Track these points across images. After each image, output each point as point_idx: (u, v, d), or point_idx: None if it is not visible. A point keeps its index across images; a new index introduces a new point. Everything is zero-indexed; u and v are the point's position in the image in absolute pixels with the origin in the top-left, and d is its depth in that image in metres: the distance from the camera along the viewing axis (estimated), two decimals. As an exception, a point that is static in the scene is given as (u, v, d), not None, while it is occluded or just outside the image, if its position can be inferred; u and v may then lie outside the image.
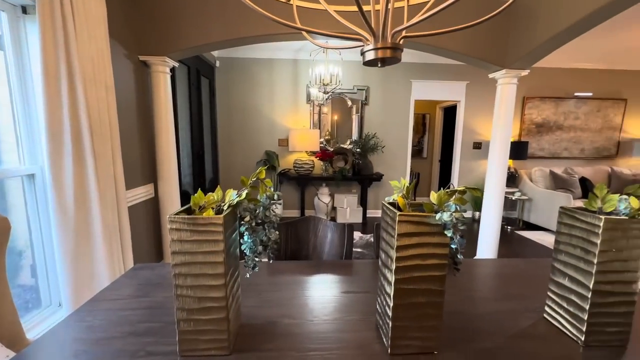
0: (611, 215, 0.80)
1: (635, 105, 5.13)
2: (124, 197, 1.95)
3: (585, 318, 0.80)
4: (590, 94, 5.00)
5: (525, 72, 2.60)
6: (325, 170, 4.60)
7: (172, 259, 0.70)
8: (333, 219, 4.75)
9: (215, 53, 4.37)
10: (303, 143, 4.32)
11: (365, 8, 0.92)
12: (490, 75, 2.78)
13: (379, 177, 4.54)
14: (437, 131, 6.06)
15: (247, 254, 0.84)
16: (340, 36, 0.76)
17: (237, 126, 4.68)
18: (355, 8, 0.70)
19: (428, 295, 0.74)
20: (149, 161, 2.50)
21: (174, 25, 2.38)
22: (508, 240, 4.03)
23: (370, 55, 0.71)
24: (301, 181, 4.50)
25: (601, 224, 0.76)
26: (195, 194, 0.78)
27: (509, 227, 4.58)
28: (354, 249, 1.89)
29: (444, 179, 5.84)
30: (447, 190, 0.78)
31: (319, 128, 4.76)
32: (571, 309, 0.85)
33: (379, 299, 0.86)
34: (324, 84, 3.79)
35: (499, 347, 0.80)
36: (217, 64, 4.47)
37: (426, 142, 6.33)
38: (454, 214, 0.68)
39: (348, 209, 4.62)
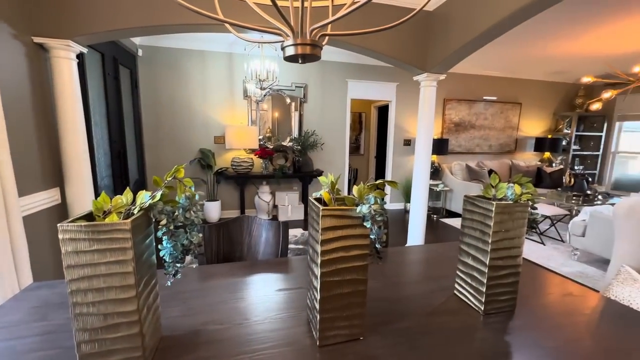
0: (502, 201, 0.94)
1: (528, 108, 6.14)
2: (17, 205, 1.63)
3: (484, 290, 0.93)
4: (495, 97, 5.83)
5: (442, 77, 2.90)
6: (265, 168, 4.52)
7: (66, 274, 0.61)
8: (275, 217, 4.70)
9: (137, 40, 3.93)
10: (241, 140, 4.16)
11: (284, 4, 0.92)
12: (415, 78, 3.04)
13: (319, 174, 4.62)
14: (373, 129, 6.42)
15: (167, 260, 0.77)
16: (259, 30, 0.74)
17: (167, 122, 4.29)
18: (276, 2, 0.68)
19: (353, 285, 0.78)
20: (52, 162, 2.14)
21: (82, 4, 2.07)
22: (434, 228, 4.48)
23: (289, 51, 0.71)
24: (240, 180, 4.34)
25: (493, 209, 0.89)
26: (98, 198, 0.68)
27: (434, 216, 5.09)
28: (296, 246, 1.89)
29: (380, 174, 6.22)
30: (368, 184, 0.82)
31: (258, 125, 4.65)
32: (474, 284, 0.97)
33: (308, 293, 0.87)
34: (260, 80, 3.70)
35: (416, 325, 0.88)
36: (140, 52, 4.03)
37: (363, 139, 6.65)
38: (372, 206, 0.72)
39: (289, 206, 4.62)
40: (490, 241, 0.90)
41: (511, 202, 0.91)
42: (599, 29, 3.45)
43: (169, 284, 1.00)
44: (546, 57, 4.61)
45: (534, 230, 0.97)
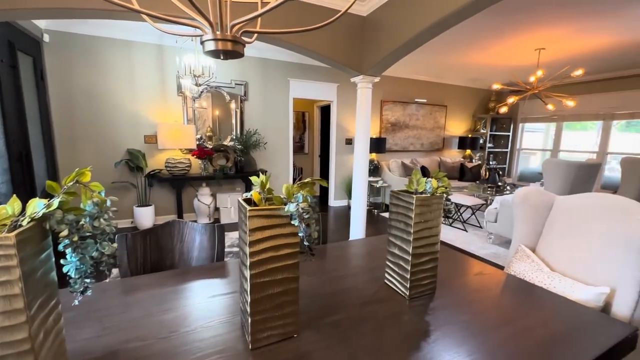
0: (421, 194, 1.03)
1: (452, 110, 6.86)
2: None
3: (409, 277, 1.02)
4: (425, 100, 6.38)
5: (377, 79, 3.08)
6: (204, 169, 4.27)
7: None
8: (217, 220, 4.48)
9: (42, 24, 3.38)
10: (176, 140, 3.87)
11: (204, -5, 0.88)
12: (352, 79, 3.16)
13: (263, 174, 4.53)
14: (316, 128, 6.52)
15: (72, 276, 0.68)
16: (176, 22, 0.70)
17: (84, 119, 3.78)
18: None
19: (284, 284, 0.78)
20: None
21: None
22: (375, 222, 4.74)
23: (209, 46, 0.67)
24: (176, 182, 4.03)
25: (414, 202, 0.97)
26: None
27: (375, 211, 5.38)
28: (236, 249, 1.82)
29: (324, 172, 6.35)
30: (298, 182, 0.83)
31: (195, 123, 4.37)
32: (400, 272, 1.05)
33: (240, 296, 0.85)
34: (195, 76, 3.48)
35: (348, 316, 0.92)
36: (46, 38, 3.47)
37: (307, 138, 6.71)
38: (299, 204, 0.73)
39: (232, 208, 4.45)
40: (412, 231, 0.99)
41: (429, 195, 1.00)
42: (503, 42, 4.00)
43: (77, 303, 0.88)
44: (465, 65, 5.21)
45: (448, 218, 1.09)
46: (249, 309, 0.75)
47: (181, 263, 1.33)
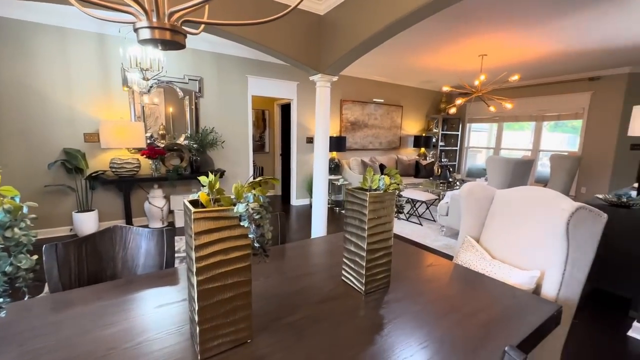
0: (375, 191, 1.05)
1: (408, 110, 7.20)
2: None
3: (364, 272, 1.04)
4: (382, 100, 6.62)
5: (335, 78, 3.11)
6: (156, 170, 3.99)
7: None
8: (171, 224, 4.22)
9: (-52, 2, 2.89)
10: (122, 138, 3.56)
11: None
12: (311, 78, 3.16)
13: (221, 174, 4.36)
14: (277, 127, 6.43)
15: (-20, 296, 0.58)
16: (107, 6, 0.63)
17: (11, 115, 3.31)
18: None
19: (236, 288, 0.75)
20: None
21: None
22: (337, 219, 4.81)
23: (143, 34, 0.62)
24: (123, 184, 3.72)
25: (367, 198, 0.99)
26: None
27: (337, 208, 5.46)
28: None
29: (286, 171, 6.29)
30: (248, 182, 0.80)
31: (145, 120, 4.07)
32: (356, 268, 1.07)
33: (189, 304, 0.79)
34: (143, 69, 3.23)
35: (305, 316, 0.91)
36: (-45, 19, 2.98)
37: (268, 137, 6.60)
38: (249, 204, 0.70)
39: (188, 210, 4.21)
40: (366, 227, 1.00)
41: (382, 192, 1.03)
42: (450, 47, 4.28)
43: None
44: (418, 67, 5.48)
45: (400, 213, 1.13)
46: (197, 318, 0.70)
47: (125, 272, 1.22)
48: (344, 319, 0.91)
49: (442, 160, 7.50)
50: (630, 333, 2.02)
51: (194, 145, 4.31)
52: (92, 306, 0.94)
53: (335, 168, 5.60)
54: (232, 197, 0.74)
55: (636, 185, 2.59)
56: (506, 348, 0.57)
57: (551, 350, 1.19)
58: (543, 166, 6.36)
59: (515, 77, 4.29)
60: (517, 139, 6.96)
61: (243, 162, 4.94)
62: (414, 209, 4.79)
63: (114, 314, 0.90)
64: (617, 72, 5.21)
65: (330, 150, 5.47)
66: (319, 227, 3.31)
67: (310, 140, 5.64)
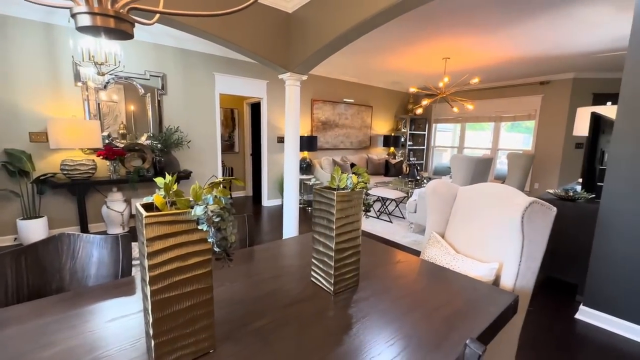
0: (343, 190, 1.05)
1: (377, 111, 7.36)
2: None
3: (332, 272, 1.03)
4: (353, 100, 6.70)
5: (304, 77, 3.09)
6: (114, 172, 3.72)
7: None
8: (133, 229, 3.97)
9: None
10: (75, 138, 3.28)
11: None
12: (280, 76, 3.12)
13: (187, 175, 4.17)
14: (247, 126, 6.28)
15: None
16: (37, -13, 0.56)
17: None
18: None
19: (195, 296, 0.70)
20: None
21: None
22: (309, 219, 4.79)
23: (82, 21, 0.55)
24: (77, 188, 3.43)
25: (335, 197, 0.98)
26: None
27: (309, 208, 5.45)
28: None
29: (257, 172, 6.17)
30: (209, 183, 0.76)
31: (102, 119, 3.78)
32: (325, 268, 1.06)
33: (144, 317, 0.74)
34: (97, 63, 3.00)
35: (272, 320, 0.88)
36: None
37: (237, 136, 6.42)
38: (208, 207, 0.66)
39: (152, 214, 3.98)
40: (334, 227, 1.00)
41: (349, 191, 1.03)
42: (416, 50, 4.43)
43: None
44: (386, 68, 5.62)
45: (368, 212, 1.13)
46: (151, 331, 0.65)
47: (74, 285, 1.11)
48: (312, 320, 0.89)
49: (411, 159, 7.76)
50: (578, 316, 2.21)
51: (158, 145, 4.09)
52: (31, 324, 0.84)
53: (307, 168, 5.58)
54: (191, 199, 0.69)
55: (580, 180, 2.84)
56: (467, 341, 0.58)
57: (509, 338, 1.26)
58: (501, 164, 6.79)
59: (476, 80, 4.53)
60: (479, 139, 7.38)
61: (211, 163, 4.76)
62: (384, 207, 4.90)
63: (56, 332, 0.81)
64: (563, 77, 5.70)
65: (302, 149, 5.45)
66: (290, 227, 3.27)
67: (281, 139, 5.57)
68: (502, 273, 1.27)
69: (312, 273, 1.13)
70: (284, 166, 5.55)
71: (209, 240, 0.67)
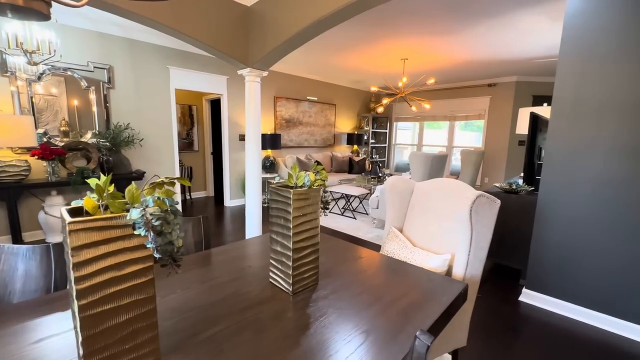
0: (301, 188, 1.03)
1: (341, 109, 7.45)
2: None
3: (291, 272, 1.00)
4: (316, 98, 6.71)
5: (265, 73, 3.02)
6: (53, 173, 3.35)
7: None
8: (77, 236, 3.60)
9: None
10: (1, 136, 2.89)
11: None
12: (239, 72, 3.01)
13: (139, 176, 3.88)
14: (206, 124, 6.01)
15: None
16: None
17: None
18: None
19: (135, 309, 0.64)
20: None
21: None
22: (273, 218, 4.72)
23: (-21, -4, 0.47)
24: (7, 192, 3.03)
25: (291, 196, 0.96)
26: None
27: (274, 207, 5.37)
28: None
29: (218, 171, 5.94)
30: (150, 184, 0.70)
31: (37, 114, 3.38)
32: (283, 269, 1.03)
33: (75, 335, 0.66)
34: (28, 52, 2.66)
35: (227, 327, 0.84)
36: None
37: (196, 134, 6.12)
38: (146, 209, 0.61)
39: (100, 219, 3.65)
40: (291, 226, 0.97)
41: (306, 188, 1.01)
42: (376, 49, 4.54)
43: None
44: (348, 67, 5.70)
45: (327, 209, 1.13)
46: (81, 351, 0.58)
47: (-7, 303, 0.97)
48: (269, 324, 0.86)
49: (373, 156, 7.97)
50: (521, 298, 2.42)
51: (105, 144, 3.75)
52: None
53: (270, 166, 5.48)
54: (127, 202, 0.63)
55: (522, 174, 3.11)
56: (417, 333, 0.60)
57: (461, 324, 1.34)
58: (456, 160, 7.24)
59: (432, 81, 4.76)
60: (436, 137, 7.79)
61: (167, 162, 4.49)
62: (349, 203, 4.98)
63: (-33, 360, 0.70)
64: (507, 80, 6.21)
65: (265, 148, 5.34)
66: (253, 227, 3.19)
67: (243, 137, 5.41)
68: (454, 263, 1.34)
69: (271, 274, 1.10)
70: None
71: (149, 246, 0.61)
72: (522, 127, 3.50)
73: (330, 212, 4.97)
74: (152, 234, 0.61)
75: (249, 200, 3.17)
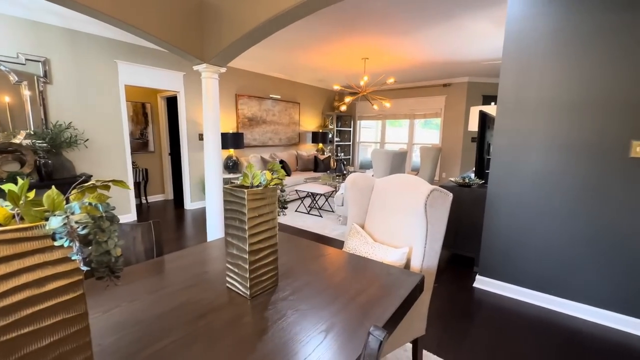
0: (257, 188, 0.99)
1: (305, 108, 7.43)
2: None
3: (248, 275, 0.97)
4: (279, 96, 6.63)
5: (223, 69, 2.91)
6: (-23, 180, 2.94)
7: None
8: (11, 250, 3.21)
9: None
10: None
11: None
12: (195, 68, 2.87)
13: (85, 180, 3.55)
14: (163, 122, 5.66)
15: None
16: None
17: None
18: None
19: (61, 329, 0.57)
20: None
21: None
22: (238, 220, 4.58)
23: None
24: None
25: (245, 196, 0.92)
26: None
27: (238, 208, 5.21)
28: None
29: (177, 173, 5.63)
30: (78, 188, 0.63)
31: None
32: (240, 272, 0.99)
33: (-13, 365, 0.57)
34: (-62, 39, 2.29)
35: (177, 339, 0.78)
36: None
37: (152, 134, 5.75)
38: (71, 217, 0.54)
39: (39, 229, 3.28)
40: (247, 228, 0.94)
41: (262, 188, 0.98)
42: (337, 48, 4.59)
43: None
44: (311, 66, 5.69)
45: (285, 209, 1.10)
46: (-8, 383, 0.50)
47: None
48: (224, 331, 0.82)
49: (338, 154, 8.07)
50: (475, 284, 2.58)
51: (43, 145, 3.37)
52: None
53: (233, 166, 5.31)
54: (46, 210, 0.55)
55: (474, 169, 3.33)
56: (370, 329, 0.60)
57: (419, 314, 1.39)
58: (417, 157, 7.56)
59: (392, 80, 4.91)
60: (398, 135, 8.08)
61: (118, 164, 4.16)
62: (315, 202, 4.99)
63: None
64: (460, 80, 6.61)
65: (227, 147, 5.16)
66: (215, 230, 3.06)
67: (203, 137, 5.17)
68: (412, 256, 1.39)
69: (227, 279, 1.05)
70: (208, 165, 5.19)
71: (74, 258, 0.55)
72: (474, 124, 3.74)
73: (296, 211, 4.94)
74: (77, 244, 0.54)
75: (209, 202, 3.04)
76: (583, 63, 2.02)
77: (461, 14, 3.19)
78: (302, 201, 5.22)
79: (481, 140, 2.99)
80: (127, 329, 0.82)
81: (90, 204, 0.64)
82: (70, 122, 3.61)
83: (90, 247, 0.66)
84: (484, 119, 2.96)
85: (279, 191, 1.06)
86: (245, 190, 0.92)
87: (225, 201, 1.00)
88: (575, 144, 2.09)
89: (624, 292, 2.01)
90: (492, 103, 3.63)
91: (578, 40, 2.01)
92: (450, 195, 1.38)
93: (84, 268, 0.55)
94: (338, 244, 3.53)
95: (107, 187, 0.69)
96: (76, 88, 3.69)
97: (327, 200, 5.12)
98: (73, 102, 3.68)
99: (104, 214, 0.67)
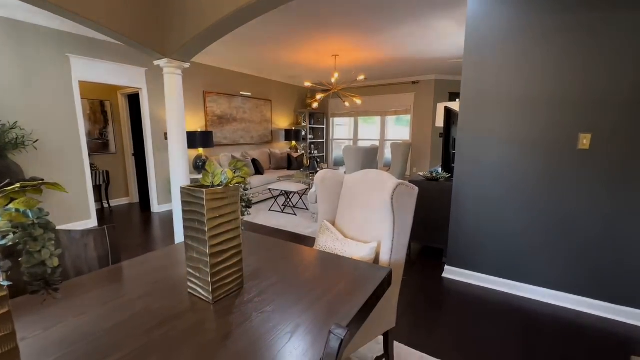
0: (218, 187, 0.95)
1: (277, 105, 7.33)
2: None
3: (209, 279, 0.92)
4: (250, 94, 6.48)
5: (187, 65, 2.78)
6: None
7: None
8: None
9: None
10: None
11: None
12: (155, 63, 2.71)
13: (10, 183, 3.26)
14: (124, 121, 5.34)
15: None
16: None
17: None
18: None
19: (-18, 353, 0.50)
20: None
21: None
22: (209, 221, 4.42)
23: None
24: None
25: (204, 196, 0.87)
26: None
27: (209, 209, 5.04)
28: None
29: (142, 175, 5.35)
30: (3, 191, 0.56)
31: None
32: (201, 276, 0.94)
33: None
34: None
35: (130, 352, 0.73)
36: None
37: (113, 133, 5.40)
38: (-13, 226, 0.47)
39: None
40: (206, 229, 0.89)
41: (222, 187, 0.93)
42: (308, 45, 4.55)
43: None
44: (282, 62, 5.61)
45: (249, 208, 1.07)
46: None
47: None
48: (184, 339, 0.77)
49: (312, 152, 8.05)
50: (444, 275, 2.68)
51: (-18, 148, 3.06)
52: None
53: (203, 166, 5.12)
54: (-46, 218, 0.48)
55: (441, 163, 3.45)
56: (331, 328, 0.58)
57: (389, 307, 1.41)
58: (389, 153, 7.73)
59: (362, 77, 4.96)
60: (370, 131, 8.20)
61: (74, 167, 3.86)
62: (289, 200, 4.94)
63: None
64: (428, 78, 6.82)
65: (196, 146, 4.97)
66: (182, 233, 2.93)
67: (169, 136, 4.94)
68: (380, 250, 1.40)
69: (189, 284, 0.99)
70: (175, 166, 4.96)
71: (-8, 272, 0.48)
72: (441, 120, 3.87)
73: (270, 210, 4.87)
74: (-5, 256, 0.48)
75: (176, 204, 2.91)
76: (534, 60, 2.14)
77: (427, 14, 3.28)
78: (275, 200, 5.15)
79: (447, 135, 3.10)
80: (71, 346, 0.74)
81: (17, 210, 0.57)
82: (16, 122, 3.30)
83: (20, 259, 0.60)
84: (449, 115, 3.07)
85: (242, 190, 1.02)
86: (204, 190, 0.87)
87: (183, 202, 0.94)
88: (530, 137, 2.21)
89: (575, 275, 2.17)
90: (457, 100, 3.77)
91: (529, 38, 2.13)
92: (416, 189, 1.40)
93: (5, 283, 0.49)
94: (312, 241, 3.51)
95: (39, 191, 0.63)
96: (21, 85, 3.37)
97: (301, 198, 5.09)
98: (18, 100, 3.36)
99: (35, 221, 0.61)
